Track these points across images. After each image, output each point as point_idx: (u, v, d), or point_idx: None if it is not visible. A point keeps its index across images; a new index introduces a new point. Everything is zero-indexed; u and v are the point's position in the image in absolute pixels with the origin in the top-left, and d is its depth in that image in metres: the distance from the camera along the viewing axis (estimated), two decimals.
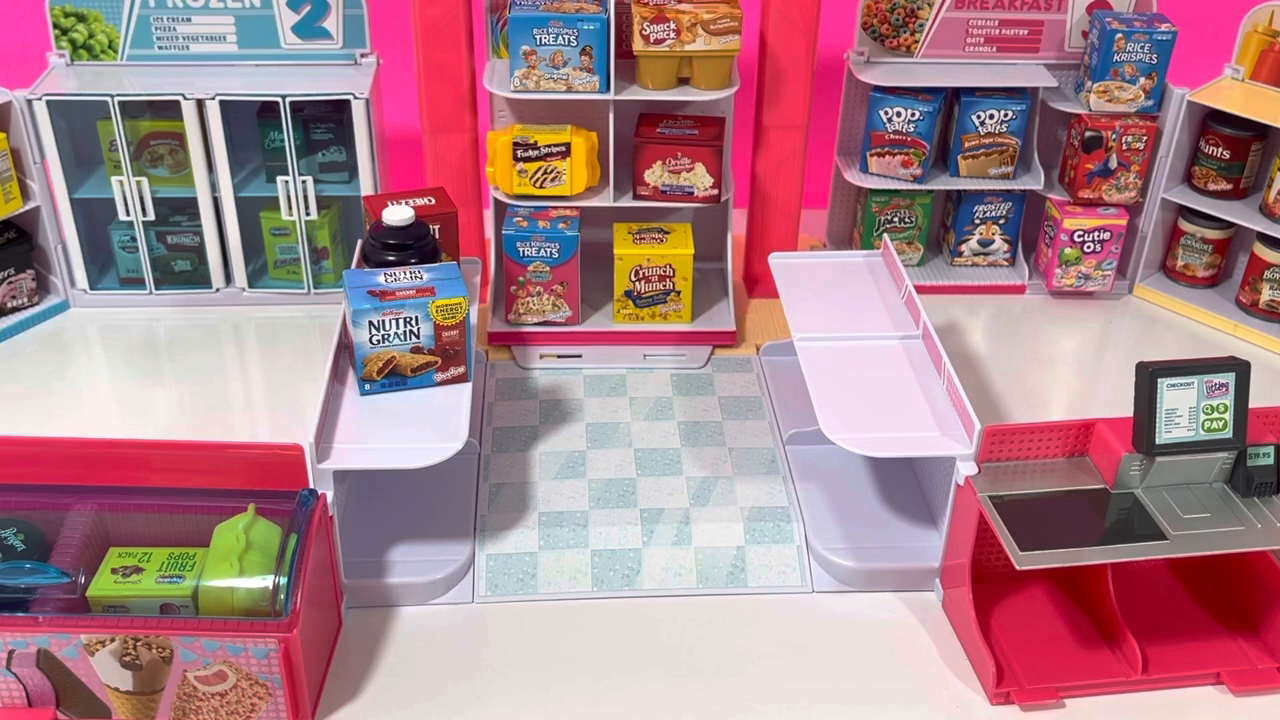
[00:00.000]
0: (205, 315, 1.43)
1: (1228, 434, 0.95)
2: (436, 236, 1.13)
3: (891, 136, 1.43)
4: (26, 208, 1.36)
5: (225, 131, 1.33)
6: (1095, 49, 1.41)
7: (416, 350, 1.04)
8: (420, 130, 1.35)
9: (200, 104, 1.31)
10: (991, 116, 1.43)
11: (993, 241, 1.53)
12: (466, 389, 1.06)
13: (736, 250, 1.50)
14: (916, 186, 1.46)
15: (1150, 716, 0.95)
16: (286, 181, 1.37)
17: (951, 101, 1.46)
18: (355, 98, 1.32)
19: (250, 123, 1.38)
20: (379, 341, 1.02)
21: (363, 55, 1.40)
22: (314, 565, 0.92)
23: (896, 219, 1.50)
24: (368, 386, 1.04)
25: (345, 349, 1.07)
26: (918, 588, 1.06)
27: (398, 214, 1.09)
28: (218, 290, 1.44)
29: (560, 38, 1.23)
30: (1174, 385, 0.94)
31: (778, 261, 1.28)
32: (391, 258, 1.08)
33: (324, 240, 1.43)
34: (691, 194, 1.33)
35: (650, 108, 1.35)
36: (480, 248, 1.44)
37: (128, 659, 0.88)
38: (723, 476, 1.17)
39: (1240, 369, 0.94)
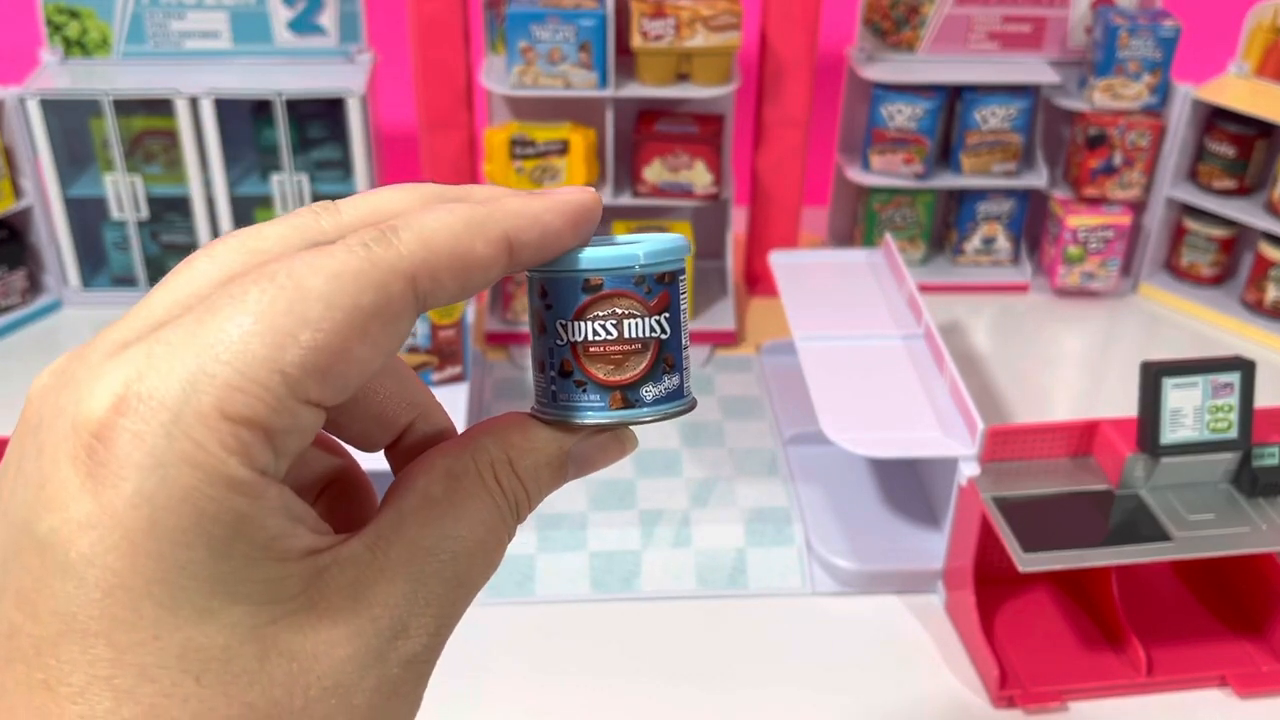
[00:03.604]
0: None
1: (1233, 434, 0.94)
2: None
3: (893, 134, 1.42)
4: (18, 206, 1.35)
5: (219, 129, 1.32)
6: (1099, 45, 1.40)
7: (413, 350, 1.03)
8: (416, 127, 1.34)
9: (194, 101, 1.30)
10: (994, 113, 1.42)
11: (996, 239, 1.52)
12: (464, 389, 1.04)
13: (736, 248, 1.49)
14: (918, 184, 1.45)
15: (1154, 719, 0.94)
16: (281, 179, 1.36)
17: (954, 98, 1.45)
18: (350, 95, 1.31)
19: (244, 120, 1.37)
20: None
21: (358, 52, 1.39)
22: None
23: (898, 217, 1.49)
24: None
25: None
26: (920, 590, 1.05)
27: None
28: None
29: (558, 34, 1.22)
30: (1179, 385, 0.93)
31: (778, 260, 1.27)
32: None
33: None
34: (691, 191, 1.32)
35: (649, 104, 1.34)
36: None
37: None
38: (722, 477, 1.16)
39: (1246, 368, 0.94)
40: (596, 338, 0.35)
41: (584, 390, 0.35)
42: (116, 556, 0.25)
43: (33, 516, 0.26)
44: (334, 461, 0.35)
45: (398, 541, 0.30)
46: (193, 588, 0.26)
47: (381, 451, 0.35)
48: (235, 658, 0.26)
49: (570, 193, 0.33)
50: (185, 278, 0.29)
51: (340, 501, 0.35)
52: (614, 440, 0.36)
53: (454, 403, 1.02)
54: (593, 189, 0.33)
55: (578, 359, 0.35)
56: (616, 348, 0.35)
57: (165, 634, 0.26)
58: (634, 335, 0.35)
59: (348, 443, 0.35)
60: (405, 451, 0.35)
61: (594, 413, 0.35)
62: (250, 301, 0.26)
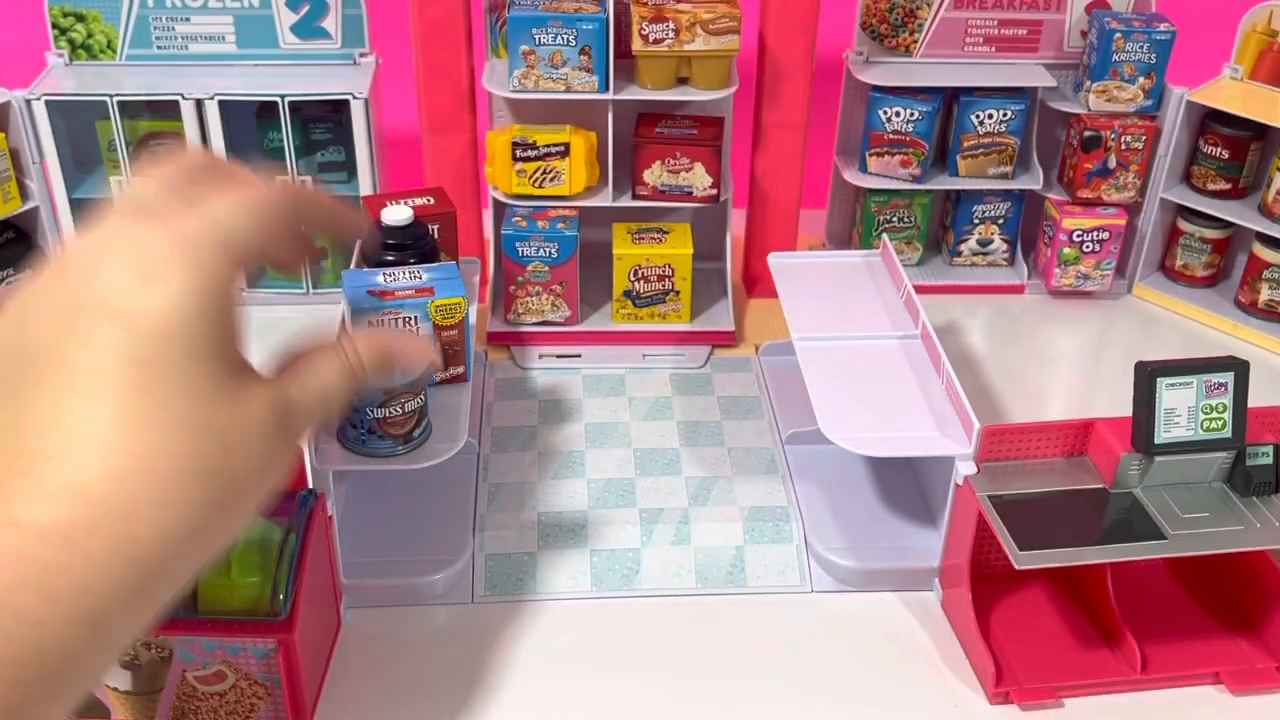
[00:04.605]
0: None
1: (1227, 433, 0.95)
2: (435, 236, 1.13)
3: (890, 136, 1.43)
4: (25, 208, 1.36)
5: (224, 131, 1.33)
6: (1094, 49, 1.41)
7: None
8: (419, 130, 1.35)
9: (199, 104, 1.32)
10: (990, 116, 1.43)
11: (992, 241, 1.53)
12: (466, 389, 1.05)
13: (735, 250, 1.50)
14: (915, 186, 1.47)
15: (1149, 716, 0.95)
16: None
17: (950, 101, 1.46)
18: (354, 98, 1.32)
19: (249, 122, 1.38)
20: None
21: (361, 55, 1.40)
22: (313, 565, 0.92)
23: (895, 219, 1.50)
24: None
25: None
26: (917, 587, 1.06)
27: (397, 214, 1.09)
28: None
29: (559, 38, 1.23)
30: (1173, 385, 0.94)
31: (776, 261, 1.28)
32: (390, 258, 1.08)
33: (323, 240, 1.43)
34: (690, 194, 1.33)
35: (649, 107, 1.35)
36: (479, 248, 1.44)
37: (126, 659, 0.88)
38: (722, 476, 1.17)
39: (1239, 368, 0.94)
40: (393, 415, 0.89)
41: (383, 439, 0.91)
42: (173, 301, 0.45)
43: (109, 293, 0.44)
44: None
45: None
46: (202, 333, 0.46)
47: None
48: (212, 377, 0.46)
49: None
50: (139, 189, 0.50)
51: None
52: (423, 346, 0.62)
53: (457, 402, 1.03)
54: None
55: (381, 425, 0.90)
56: (402, 418, 0.88)
57: (179, 363, 0.45)
58: (410, 410, 0.86)
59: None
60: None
61: (390, 447, 0.93)
62: (228, 197, 0.49)
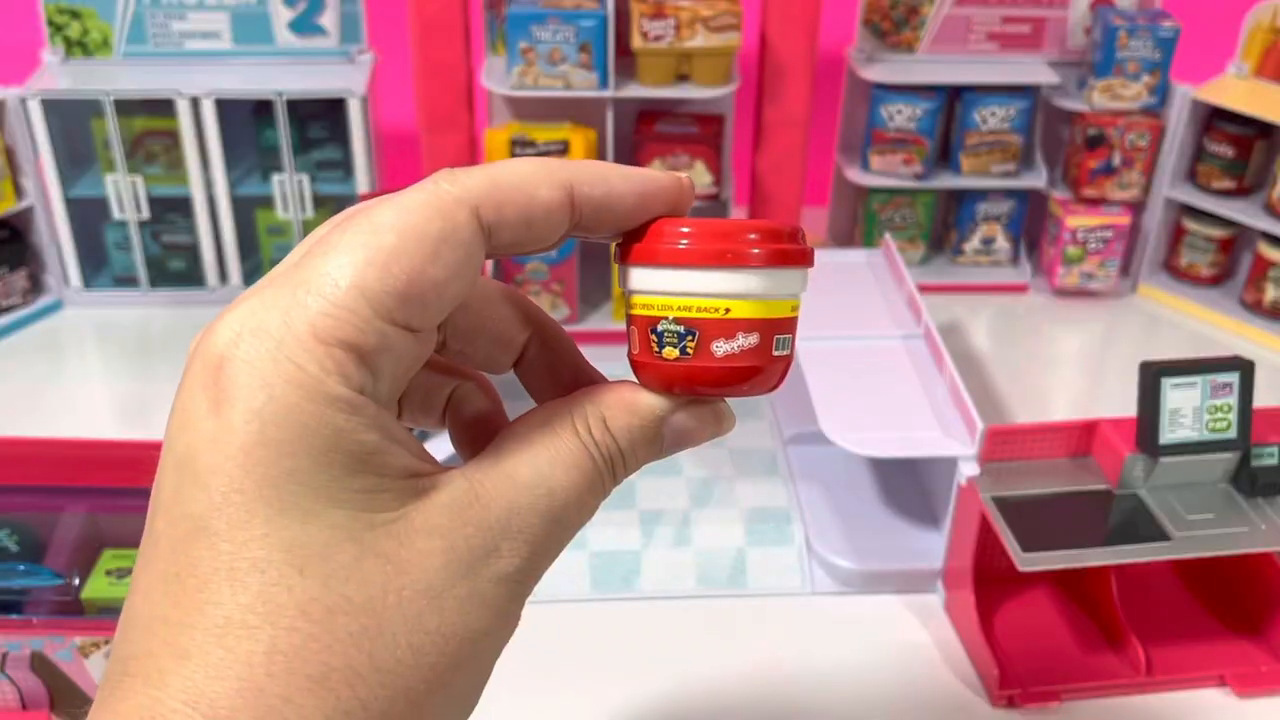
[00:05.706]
0: (200, 314, 1.42)
1: (1232, 434, 0.94)
2: None
3: (893, 134, 1.42)
4: (20, 207, 1.36)
5: (220, 129, 1.32)
6: (1098, 46, 1.40)
7: None
8: (417, 128, 1.34)
9: (195, 102, 1.31)
10: (994, 114, 1.42)
11: (995, 240, 1.52)
12: None
13: None
14: (918, 184, 1.46)
15: (1154, 719, 0.94)
16: (282, 180, 1.36)
17: (953, 99, 1.45)
18: (351, 95, 1.31)
19: (246, 120, 1.37)
20: None
21: (359, 52, 1.40)
22: None
23: (898, 217, 1.49)
24: None
25: None
26: (919, 589, 1.05)
27: None
28: (213, 289, 1.43)
29: (558, 34, 1.22)
30: (1178, 385, 0.93)
31: None
32: None
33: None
34: None
35: (649, 105, 1.34)
36: None
37: None
38: (723, 477, 1.16)
39: (1245, 368, 0.94)
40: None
41: None
42: (234, 465, 0.29)
43: (173, 438, 0.31)
44: (455, 384, 0.39)
45: (495, 474, 0.33)
46: (298, 492, 0.29)
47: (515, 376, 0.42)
48: (334, 555, 0.30)
49: (652, 171, 0.37)
50: (307, 237, 0.33)
51: (483, 442, 0.37)
52: (712, 415, 0.42)
53: None
54: (684, 176, 0.37)
55: None
56: None
57: (274, 532, 0.29)
58: None
59: (479, 368, 0.39)
60: (530, 368, 0.41)
61: None
62: (333, 241, 0.31)
